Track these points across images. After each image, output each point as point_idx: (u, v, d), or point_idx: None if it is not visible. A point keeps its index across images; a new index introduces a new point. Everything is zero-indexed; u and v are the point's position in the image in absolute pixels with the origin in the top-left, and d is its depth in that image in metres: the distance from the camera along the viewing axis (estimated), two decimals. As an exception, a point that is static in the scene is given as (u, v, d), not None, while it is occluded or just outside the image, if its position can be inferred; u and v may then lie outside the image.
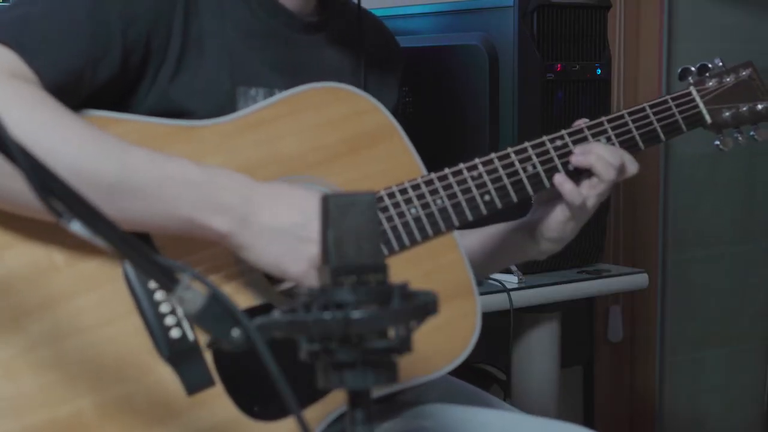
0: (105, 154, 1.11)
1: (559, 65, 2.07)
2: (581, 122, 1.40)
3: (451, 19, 2.19)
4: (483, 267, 1.51)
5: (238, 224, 1.15)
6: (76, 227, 0.85)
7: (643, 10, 2.99)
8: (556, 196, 1.38)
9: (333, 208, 0.84)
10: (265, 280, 1.24)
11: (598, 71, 2.13)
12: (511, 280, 2.07)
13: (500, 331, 2.10)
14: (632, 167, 1.38)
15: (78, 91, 1.19)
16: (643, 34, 3.00)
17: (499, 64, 2.05)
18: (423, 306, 0.82)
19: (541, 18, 2.05)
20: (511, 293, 2.02)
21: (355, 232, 0.83)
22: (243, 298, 1.22)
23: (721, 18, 3.15)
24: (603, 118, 1.40)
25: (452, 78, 2.11)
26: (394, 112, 1.39)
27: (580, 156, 1.35)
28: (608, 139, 1.39)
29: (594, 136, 1.38)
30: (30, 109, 1.10)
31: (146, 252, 0.87)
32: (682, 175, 3.13)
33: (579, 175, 1.37)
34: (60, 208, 0.84)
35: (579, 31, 2.11)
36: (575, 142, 1.37)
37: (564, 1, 2.08)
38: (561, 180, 1.35)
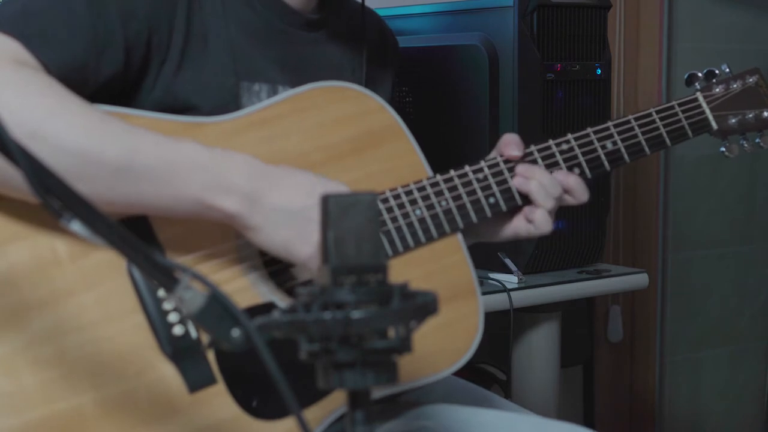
0: (112, 138, 1.11)
1: (559, 65, 2.07)
2: (513, 147, 1.36)
3: (451, 19, 2.19)
4: None
5: (247, 205, 1.15)
6: (76, 227, 0.85)
7: (643, 10, 2.98)
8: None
9: (333, 208, 0.83)
10: (269, 278, 1.24)
11: (598, 71, 2.13)
12: (511, 280, 2.07)
13: (500, 331, 2.10)
14: (583, 196, 1.37)
15: (82, 86, 1.19)
16: (643, 34, 3.00)
17: (499, 64, 2.05)
18: (423, 306, 0.82)
19: (541, 18, 2.05)
20: (511, 293, 2.02)
21: (355, 232, 0.83)
22: (246, 297, 1.22)
23: (721, 18, 3.15)
24: (609, 123, 1.40)
25: (452, 78, 2.11)
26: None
27: (521, 179, 1.34)
28: (614, 143, 1.39)
29: (600, 140, 1.39)
30: (38, 94, 1.10)
31: (146, 251, 0.87)
32: (682, 175, 3.13)
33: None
34: (60, 208, 0.84)
35: (579, 31, 2.11)
36: (581, 146, 1.38)
37: (564, 1, 2.08)
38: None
